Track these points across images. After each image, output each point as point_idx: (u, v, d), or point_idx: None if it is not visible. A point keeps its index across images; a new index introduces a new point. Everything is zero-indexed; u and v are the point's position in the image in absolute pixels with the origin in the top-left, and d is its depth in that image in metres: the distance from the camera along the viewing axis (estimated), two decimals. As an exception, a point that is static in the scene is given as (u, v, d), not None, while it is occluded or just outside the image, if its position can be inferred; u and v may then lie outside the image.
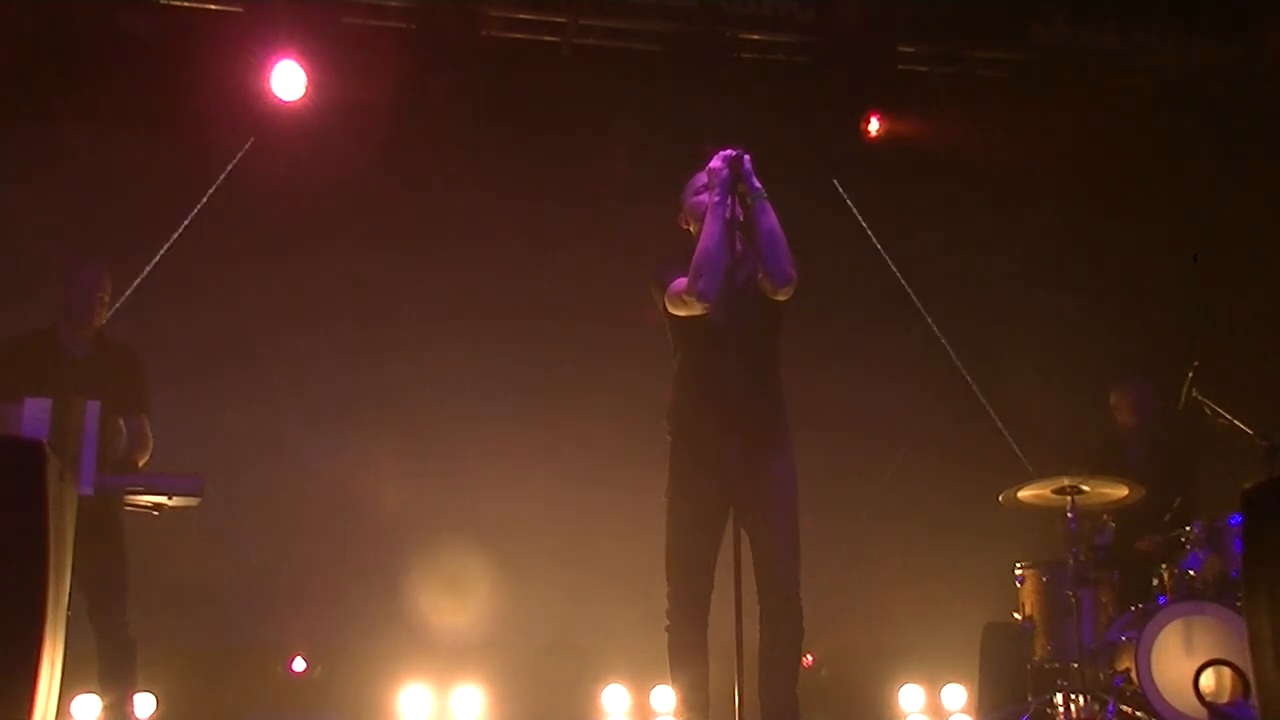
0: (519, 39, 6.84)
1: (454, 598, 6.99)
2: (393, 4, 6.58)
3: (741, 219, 4.21)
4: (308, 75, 6.47)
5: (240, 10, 6.48)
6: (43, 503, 3.12)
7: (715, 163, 4.23)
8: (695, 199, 4.40)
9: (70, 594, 3.69)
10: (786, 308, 4.36)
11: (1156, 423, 6.57)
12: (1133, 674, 5.47)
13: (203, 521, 5.33)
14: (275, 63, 6.42)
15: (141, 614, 5.03)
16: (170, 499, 4.74)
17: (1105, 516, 5.99)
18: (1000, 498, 6.02)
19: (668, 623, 4.29)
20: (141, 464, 5.10)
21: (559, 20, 6.80)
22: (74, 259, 5.25)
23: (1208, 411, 5.84)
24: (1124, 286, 7.80)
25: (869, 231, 7.58)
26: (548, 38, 6.87)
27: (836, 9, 6.83)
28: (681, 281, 4.23)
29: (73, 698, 5.93)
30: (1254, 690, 4.27)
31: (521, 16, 6.76)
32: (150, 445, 5.14)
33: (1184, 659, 5.42)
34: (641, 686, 7.02)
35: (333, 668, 6.81)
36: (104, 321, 5.16)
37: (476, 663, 6.91)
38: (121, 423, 5.05)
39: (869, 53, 6.96)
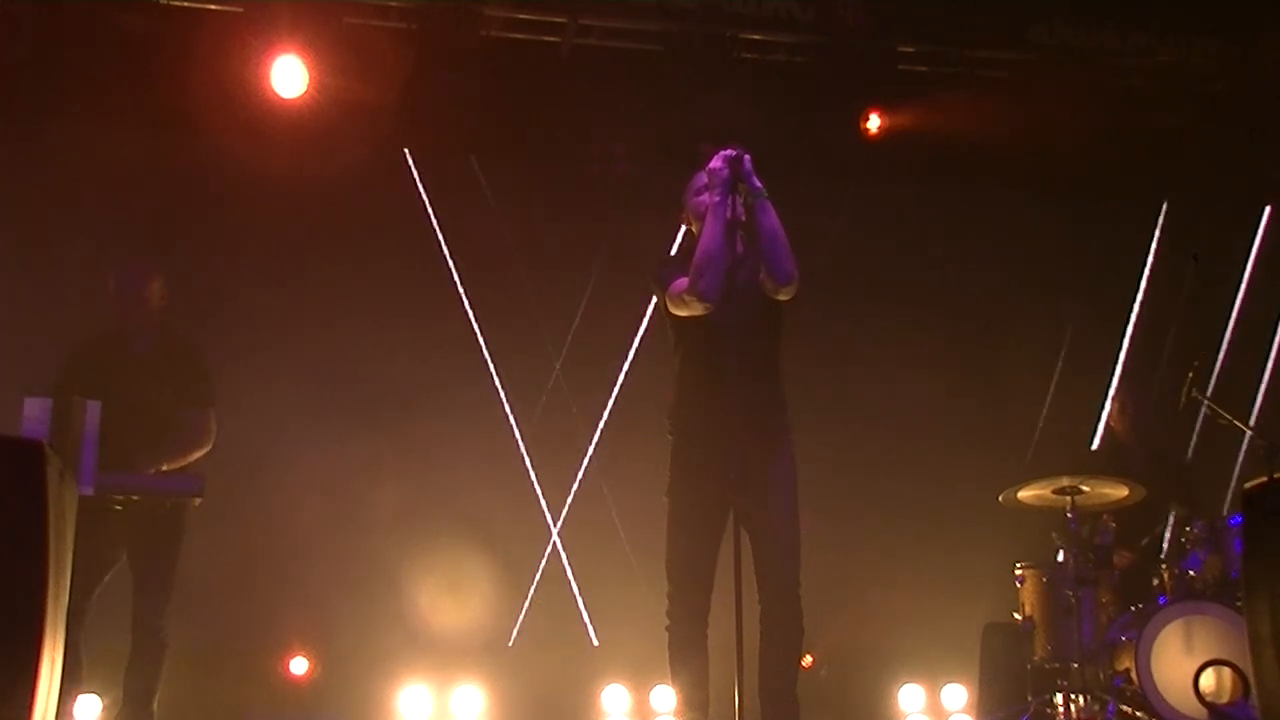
0: (519, 39, 6.84)
1: (454, 597, 6.99)
2: (393, 4, 6.58)
3: (742, 219, 4.21)
4: (308, 75, 6.47)
5: (240, 10, 6.48)
6: (43, 502, 3.12)
7: (715, 163, 4.23)
8: (696, 199, 4.40)
9: (73, 590, 3.69)
10: (787, 307, 4.37)
11: (1154, 428, 6.57)
12: (1133, 674, 5.47)
13: (203, 521, 5.33)
14: (275, 60, 6.42)
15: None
16: (170, 499, 4.76)
17: (1105, 516, 5.99)
18: (1000, 498, 6.02)
19: (668, 622, 4.29)
20: (199, 455, 5.22)
21: (559, 20, 6.79)
22: (122, 259, 5.36)
23: (1208, 412, 5.84)
24: (1123, 286, 7.80)
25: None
26: (548, 38, 6.86)
27: (836, 9, 6.83)
28: (682, 281, 4.23)
29: (73, 698, 5.92)
30: (1254, 690, 4.27)
31: (521, 16, 6.76)
32: (210, 439, 5.27)
33: (1184, 659, 5.41)
34: (641, 686, 7.02)
35: (333, 668, 6.80)
36: (160, 318, 5.26)
37: (476, 663, 6.91)
38: (185, 415, 5.17)
39: (869, 53, 6.96)
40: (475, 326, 7.29)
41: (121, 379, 4.94)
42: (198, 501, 4.72)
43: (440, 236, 7.33)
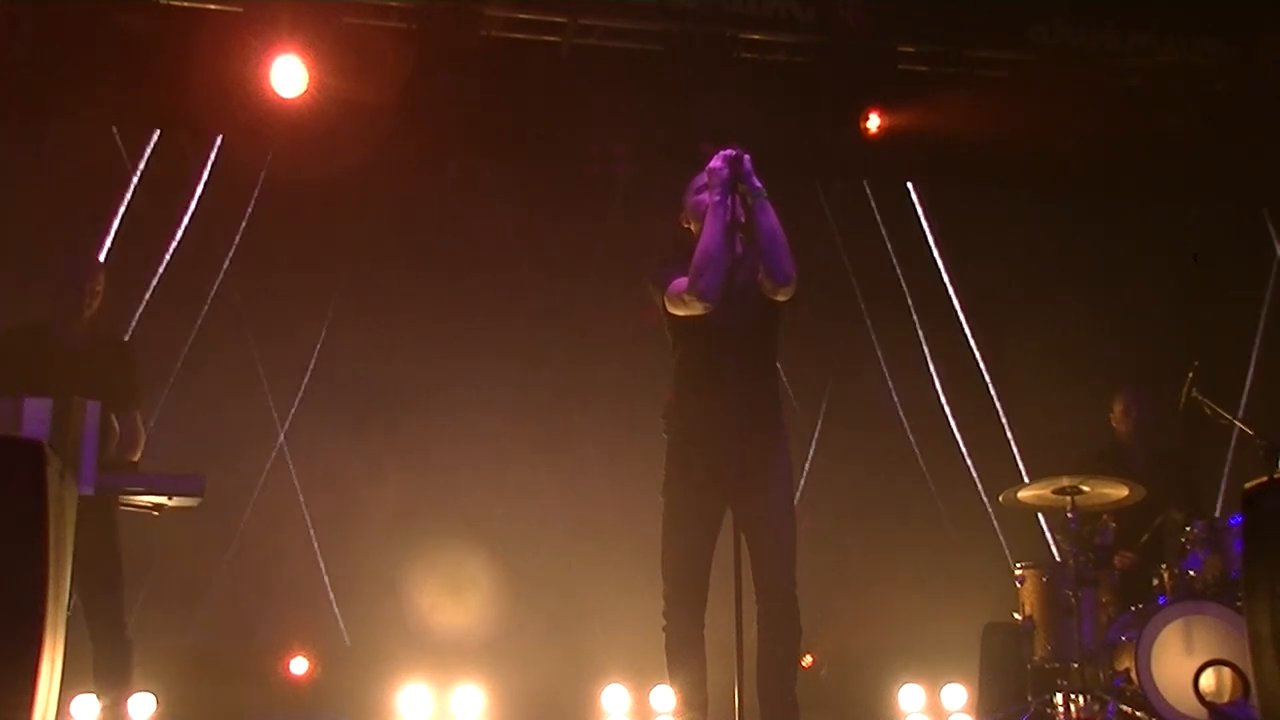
0: (519, 39, 6.84)
1: (454, 597, 6.99)
2: (393, 4, 6.58)
3: (742, 219, 4.21)
4: (308, 75, 6.47)
5: (240, 10, 6.48)
6: (42, 502, 3.12)
7: (715, 162, 4.23)
8: (696, 199, 4.40)
9: (70, 594, 3.69)
10: (786, 308, 4.37)
11: (1156, 430, 6.57)
12: (1133, 674, 5.47)
13: (203, 521, 5.33)
14: (275, 59, 6.43)
15: (141, 614, 5.03)
16: (170, 499, 4.73)
17: (1105, 516, 5.99)
18: (1000, 498, 6.02)
19: (665, 622, 4.29)
20: (133, 459, 5.07)
21: (559, 20, 6.79)
22: (66, 253, 5.24)
23: (1208, 411, 5.84)
24: (1123, 286, 7.81)
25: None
26: (548, 38, 6.87)
27: (836, 9, 6.83)
28: (682, 281, 4.23)
29: (72, 698, 5.93)
30: (1254, 690, 4.27)
31: (521, 16, 6.76)
32: (142, 442, 5.12)
33: (1184, 659, 5.41)
34: (641, 686, 7.02)
35: (333, 668, 6.80)
36: (95, 315, 5.13)
37: (476, 663, 6.91)
38: (115, 419, 5.06)
39: (869, 53, 6.97)
40: (475, 326, 7.28)
41: (49, 373, 4.76)
42: (197, 501, 4.69)
43: (440, 236, 7.33)
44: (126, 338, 6.16)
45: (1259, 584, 3.46)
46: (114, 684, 4.87)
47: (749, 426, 4.14)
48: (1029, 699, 5.95)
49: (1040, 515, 7.03)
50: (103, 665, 4.86)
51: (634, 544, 7.06)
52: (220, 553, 6.71)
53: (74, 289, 5.05)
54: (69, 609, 3.67)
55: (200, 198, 6.97)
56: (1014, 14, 7.03)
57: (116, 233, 6.76)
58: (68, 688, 3.64)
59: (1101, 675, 5.71)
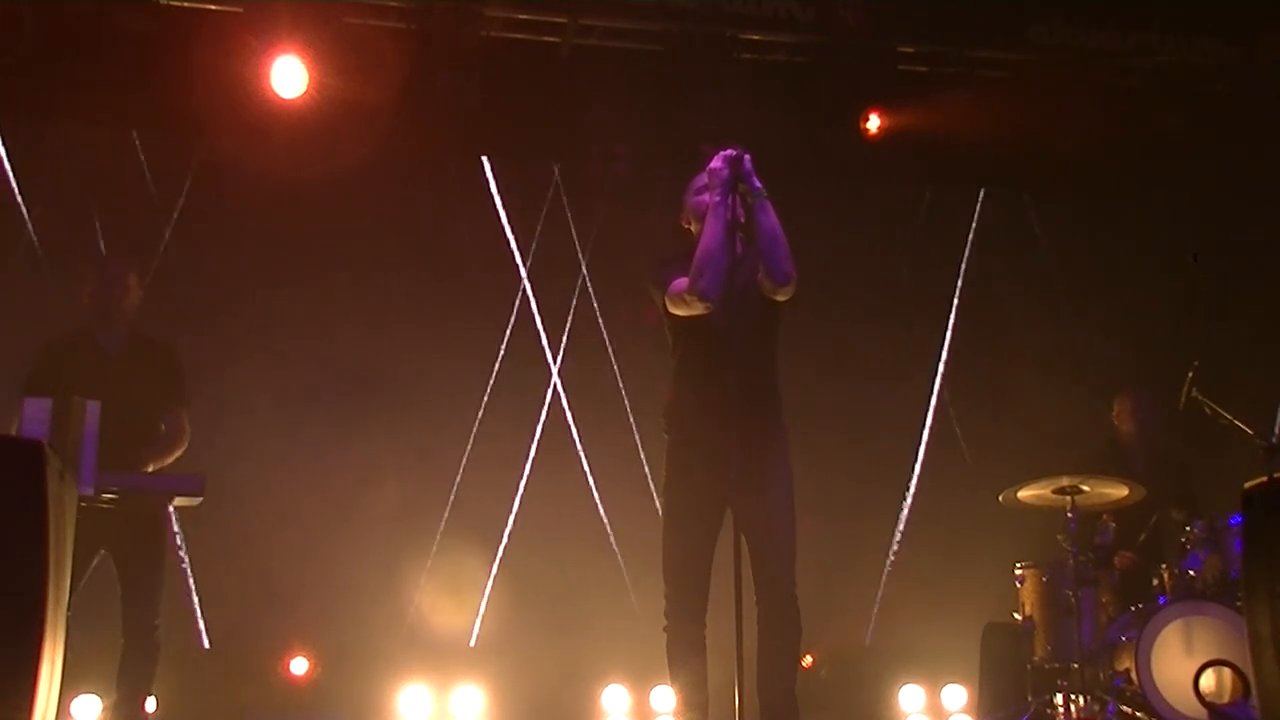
0: (519, 39, 6.84)
1: (454, 598, 6.99)
2: (393, 4, 6.58)
3: (742, 219, 4.21)
4: (308, 75, 6.48)
5: (240, 10, 6.48)
6: (42, 502, 3.12)
7: (715, 163, 4.22)
8: (696, 199, 4.40)
9: (70, 593, 3.69)
10: (786, 308, 4.36)
11: (1159, 431, 6.57)
12: (1133, 674, 5.47)
13: (202, 521, 5.32)
14: (275, 60, 6.43)
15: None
16: (170, 499, 4.74)
17: (1105, 516, 5.99)
18: (1000, 498, 6.01)
19: (666, 622, 4.29)
20: (175, 457, 5.09)
21: (559, 20, 6.80)
22: (100, 256, 5.27)
23: (1208, 411, 5.83)
24: (1123, 286, 7.81)
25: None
26: (548, 38, 6.87)
27: (836, 9, 6.83)
28: (682, 281, 4.23)
29: (73, 698, 5.93)
30: (1254, 690, 4.27)
31: (521, 16, 6.76)
32: (185, 440, 5.14)
33: (1184, 659, 5.41)
34: (641, 686, 7.02)
35: (333, 668, 6.80)
36: (133, 316, 5.16)
37: (476, 663, 6.91)
38: (161, 420, 5.08)
39: (869, 53, 6.97)
40: (475, 326, 7.28)
41: (93, 378, 4.78)
42: (198, 501, 4.70)
43: (440, 236, 7.33)
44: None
45: (1259, 584, 3.46)
46: (135, 681, 4.90)
47: (748, 426, 4.14)
48: (1029, 699, 5.95)
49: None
50: (129, 661, 4.89)
51: (634, 544, 7.09)
52: (221, 553, 6.70)
53: (106, 289, 5.09)
54: (69, 608, 3.67)
55: (199, 198, 6.97)
56: (1014, 14, 7.04)
57: (116, 233, 6.76)
58: (68, 688, 3.64)
59: (1101, 675, 5.71)
